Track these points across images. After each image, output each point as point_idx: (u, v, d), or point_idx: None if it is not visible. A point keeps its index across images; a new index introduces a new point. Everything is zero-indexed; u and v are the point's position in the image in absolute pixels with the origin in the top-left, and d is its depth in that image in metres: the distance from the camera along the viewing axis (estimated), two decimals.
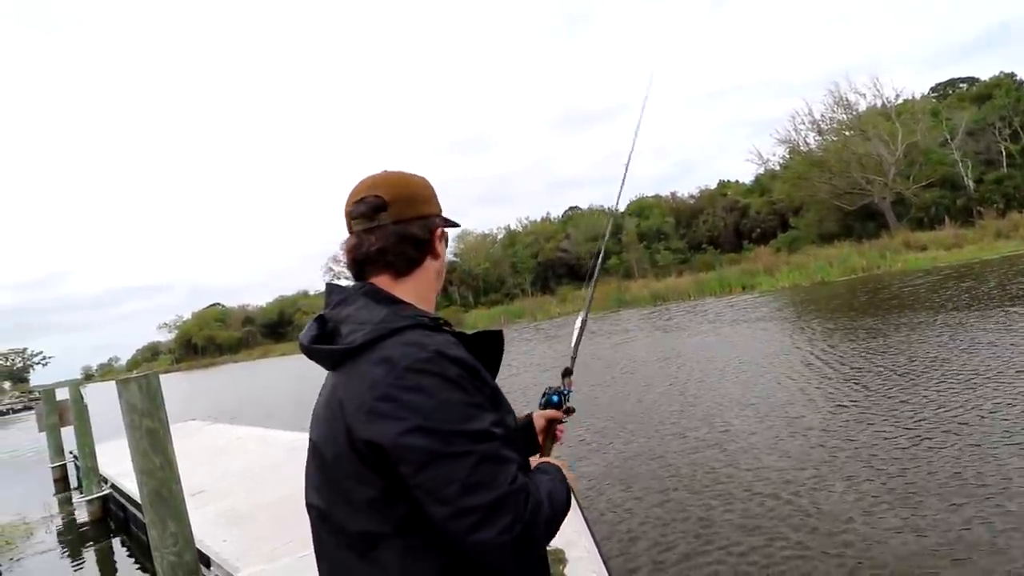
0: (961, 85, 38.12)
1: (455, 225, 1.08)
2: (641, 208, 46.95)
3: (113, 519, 7.04)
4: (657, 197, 48.88)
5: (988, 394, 5.57)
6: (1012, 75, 33.38)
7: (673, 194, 49.37)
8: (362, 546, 0.86)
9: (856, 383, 6.92)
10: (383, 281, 0.99)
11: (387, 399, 0.82)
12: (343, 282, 1.04)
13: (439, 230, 1.03)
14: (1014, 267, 15.26)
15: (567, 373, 1.30)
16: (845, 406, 6.09)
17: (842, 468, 4.49)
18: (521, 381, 11.61)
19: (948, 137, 29.39)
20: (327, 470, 0.89)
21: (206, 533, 4.17)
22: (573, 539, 3.21)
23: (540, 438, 1.22)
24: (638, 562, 3.64)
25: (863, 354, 8.31)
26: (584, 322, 1.38)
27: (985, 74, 36.62)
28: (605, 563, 3.03)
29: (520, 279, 47.82)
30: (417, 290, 1.01)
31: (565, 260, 46.84)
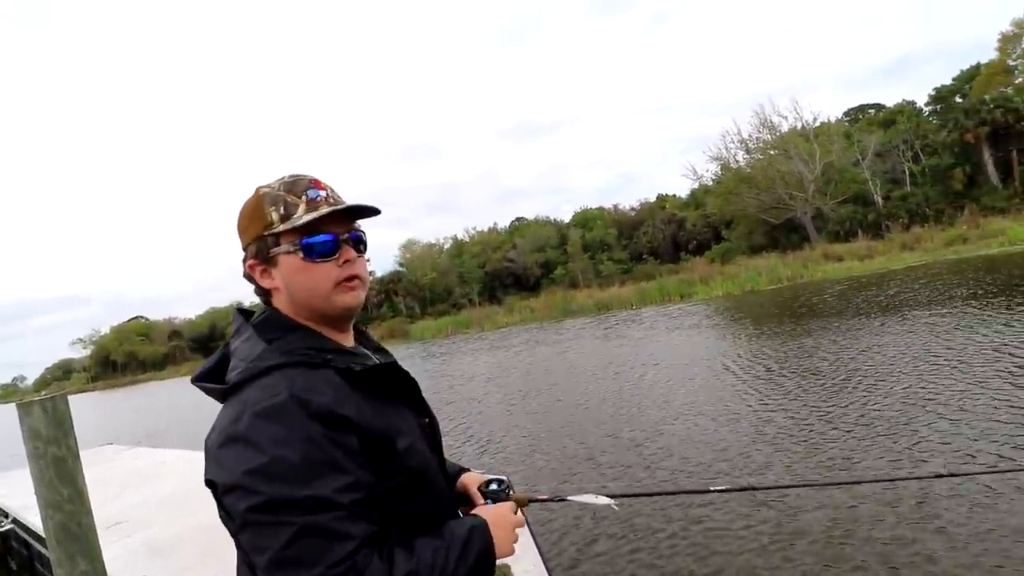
0: (870, 111, 41.73)
1: (276, 238, 0.88)
2: (585, 219, 48.07)
3: (14, 557, 6.34)
4: (600, 209, 50.28)
5: (871, 385, 6.16)
6: (912, 103, 36.99)
7: (615, 206, 50.97)
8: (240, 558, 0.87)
9: (773, 380, 7.35)
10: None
11: (224, 446, 0.78)
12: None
13: (250, 263, 0.92)
14: (914, 276, 16.80)
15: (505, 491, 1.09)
16: (764, 397, 6.46)
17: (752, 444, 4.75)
18: (463, 392, 11.52)
19: (860, 157, 32.07)
20: None
21: (122, 568, 3.84)
22: (519, 554, 3.18)
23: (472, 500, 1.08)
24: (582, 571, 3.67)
25: (782, 355, 8.85)
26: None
27: (890, 101, 40.49)
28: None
29: (467, 289, 47.62)
30: (299, 315, 0.92)
31: (512, 270, 47.13)
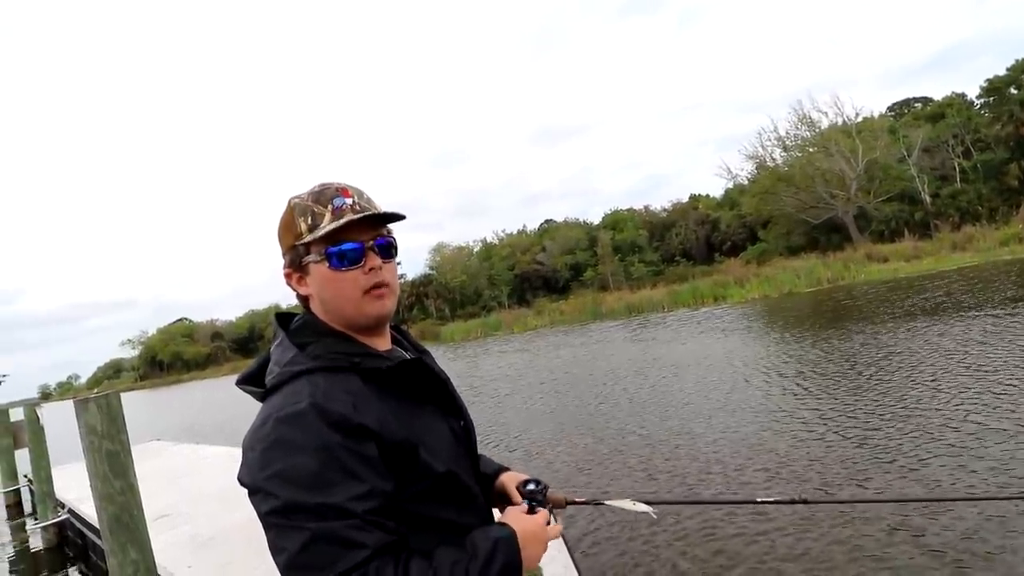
0: (916, 104, 39.97)
1: (306, 248, 0.91)
2: (615, 221, 47.59)
3: (70, 546, 6.69)
4: (631, 210, 49.66)
5: (929, 394, 5.82)
6: (963, 95, 35.22)
7: (646, 207, 50.27)
8: None
9: (817, 386, 7.09)
10: None
11: (251, 449, 0.82)
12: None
13: (286, 272, 0.96)
14: (966, 277, 15.96)
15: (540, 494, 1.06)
16: (809, 404, 6.24)
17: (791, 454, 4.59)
18: (489, 391, 11.55)
19: (905, 153, 30.72)
20: None
21: (169, 559, 4.01)
22: (551, 555, 3.18)
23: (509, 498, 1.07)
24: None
25: (826, 359, 8.53)
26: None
27: (938, 94, 38.67)
28: None
29: (497, 292, 47.78)
30: (333, 321, 0.95)
31: (541, 272, 47.04)
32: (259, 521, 0.82)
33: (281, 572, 0.78)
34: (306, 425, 0.78)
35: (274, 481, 0.77)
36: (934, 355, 7.78)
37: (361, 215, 0.91)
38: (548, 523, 0.97)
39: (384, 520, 0.79)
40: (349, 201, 0.92)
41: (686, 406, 7.62)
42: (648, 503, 1.15)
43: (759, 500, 1.36)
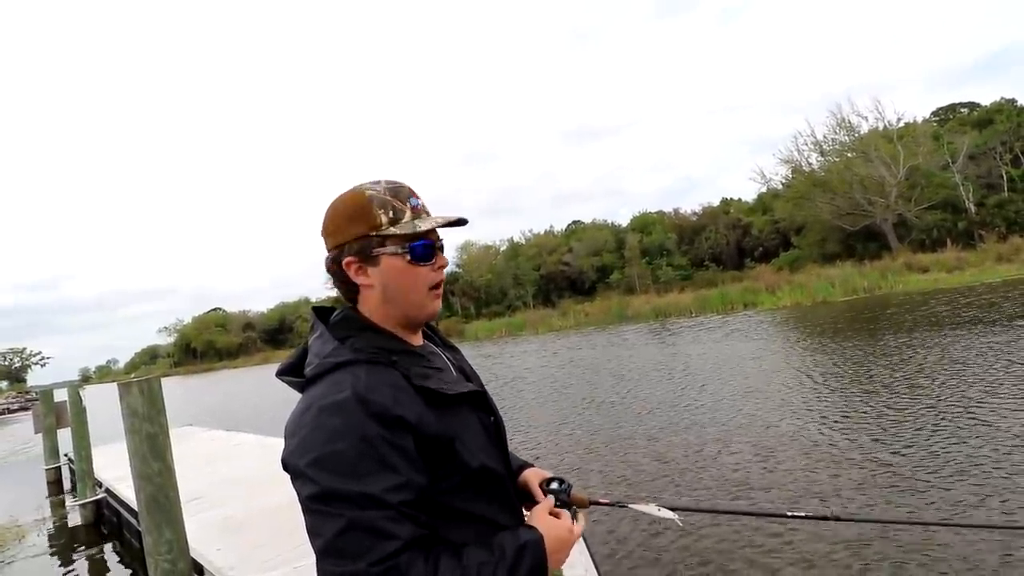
0: (962, 110, 38.41)
1: (382, 240, 0.93)
2: (644, 224, 47.05)
3: (106, 524, 6.97)
4: (660, 213, 49.01)
5: (975, 412, 5.55)
6: (1013, 101, 33.66)
7: (676, 210, 49.54)
8: None
9: (850, 398, 6.87)
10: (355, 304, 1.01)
11: (293, 435, 0.84)
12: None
13: (346, 261, 0.94)
14: (1013, 290, 15.24)
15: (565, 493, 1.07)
16: (840, 417, 6.06)
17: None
18: (511, 390, 11.56)
19: (949, 160, 29.53)
20: None
21: (200, 541, 4.13)
22: (574, 557, 3.17)
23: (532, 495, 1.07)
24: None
25: (863, 371, 8.27)
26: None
27: (986, 100, 37.01)
28: None
29: (522, 291, 47.79)
30: (374, 315, 0.97)
31: (567, 274, 46.85)
32: (286, 507, 0.86)
33: (316, 555, 0.80)
34: (347, 414, 0.80)
35: (314, 467, 0.79)
36: (984, 372, 7.46)
37: (452, 219, 0.98)
38: (573, 522, 0.98)
39: (417, 513, 0.81)
40: (421, 202, 0.98)
41: (706, 413, 7.49)
42: (673, 509, 1.13)
43: (789, 514, 1.31)
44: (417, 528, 0.80)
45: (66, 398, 8.09)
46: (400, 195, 0.96)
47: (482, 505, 0.92)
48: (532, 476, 1.11)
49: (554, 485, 1.06)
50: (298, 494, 0.83)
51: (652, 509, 1.12)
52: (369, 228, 0.94)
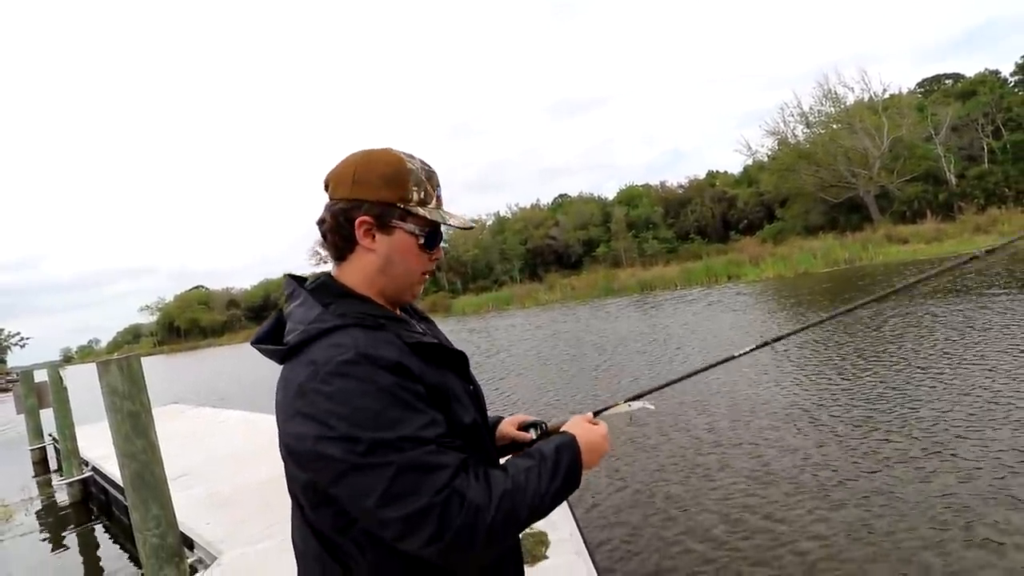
0: (947, 81, 38.49)
1: (405, 214, 0.93)
2: (631, 196, 46.97)
3: (94, 502, 6.98)
4: (647, 186, 48.92)
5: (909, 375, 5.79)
6: (996, 72, 33.82)
7: (662, 183, 49.48)
8: (296, 523, 0.95)
9: (822, 367, 7.08)
10: (337, 269, 0.99)
11: (305, 403, 0.81)
12: (322, 268, 1.03)
13: (360, 218, 0.92)
14: (989, 261, 15.59)
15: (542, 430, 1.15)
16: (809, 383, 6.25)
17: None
18: (497, 362, 11.68)
19: (933, 132, 29.73)
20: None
21: (189, 516, 4.17)
22: (557, 522, 3.26)
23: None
24: (618, 542, 3.71)
25: (836, 341, 8.49)
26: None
27: (970, 71, 37.12)
28: (587, 545, 3.09)
29: (509, 266, 47.77)
30: (359, 281, 0.96)
31: (554, 247, 46.84)
32: (273, 482, 0.85)
33: (373, 516, 0.78)
34: (358, 371, 0.80)
35: (347, 428, 0.77)
36: (956, 340, 7.68)
37: (471, 224, 1.03)
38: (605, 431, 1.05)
39: (454, 440, 0.84)
40: (441, 192, 1.01)
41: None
42: (638, 397, 1.20)
43: (736, 354, 1.32)
44: (459, 453, 0.83)
45: (47, 378, 8.00)
46: (432, 181, 0.98)
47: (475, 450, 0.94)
48: (508, 425, 1.17)
49: (530, 428, 1.14)
50: (322, 463, 0.79)
51: (624, 408, 1.19)
52: (399, 199, 0.93)
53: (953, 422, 4.82)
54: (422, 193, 0.95)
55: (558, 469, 0.90)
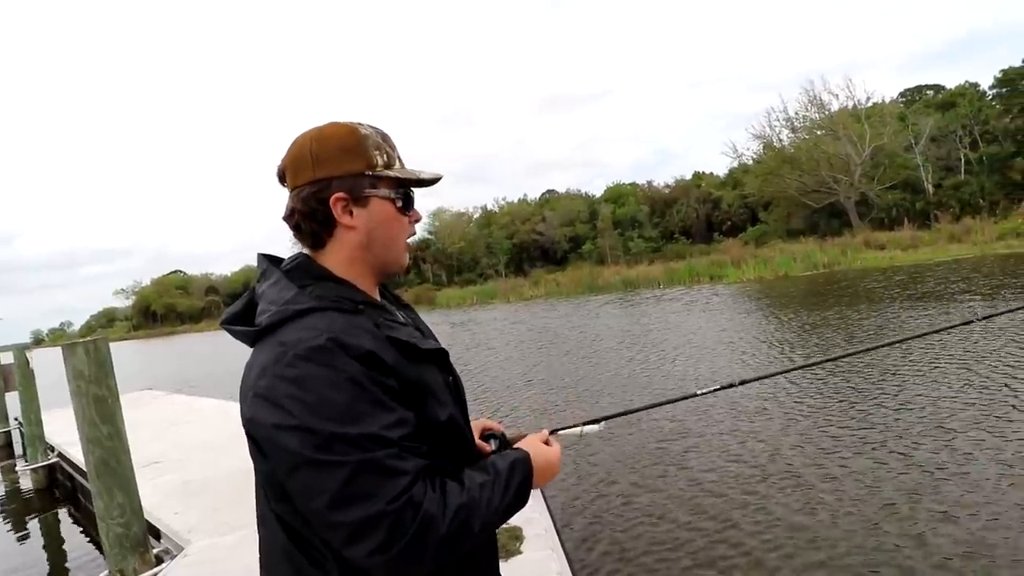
0: (928, 92, 39.26)
1: (375, 181, 0.89)
2: (617, 195, 47.18)
3: (60, 488, 6.81)
4: (633, 185, 49.19)
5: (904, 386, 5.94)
6: (976, 85, 34.61)
7: (649, 183, 49.76)
8: (261, 512, 0.90)
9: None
10: (315, 255, 0.93)
11: (268, 387, 0.77)
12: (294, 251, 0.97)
13: (334, 196, 0.87)
14: (960, 269, 16.02)
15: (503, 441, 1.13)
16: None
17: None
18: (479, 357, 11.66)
19: (913, 141, 30.37)
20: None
21: (157, 504, 4.07)
22: (532, 517, 3.25)
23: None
24: (592, 539, 3.73)
25: (804, 341, 8.64)
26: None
27: (951, 82, 37.88)
28: (562, 542, 3.09)
29: (494, 260, 47.68)
30: (340, 265, 0.91)
31: (540, 243, 46.87)
32: (247, 471, 0.80)
33: (322, 518, 0.74)
34: (329, 358, 0.76)
35: (306, 417, 0.73)
36: (928, 344, 7.86)
37: (439, 176, 0.97)
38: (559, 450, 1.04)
39: (417, 446, 0.80)
40: (399, 153, 0.96)
41: (657, 373, 7.72)
42: (595, 421, 1.22)
43: (698, 392, 1.36)
44: (420, 460, 0.79)
45: (12, 361, 7.75)
46: (388, 142, 0.93)
47: (453, 458, 0.91)
48: (474, 431, 1.13)
49: (491, 442, 1.12)
50: (281, 451, 0.75)
51: (577, 431, 1.21)
52: (366, 166, 0.89)
53: (921, 423, 4.93)
54: (384, 156, 0.91)
55: (510, 486, 0.88)
